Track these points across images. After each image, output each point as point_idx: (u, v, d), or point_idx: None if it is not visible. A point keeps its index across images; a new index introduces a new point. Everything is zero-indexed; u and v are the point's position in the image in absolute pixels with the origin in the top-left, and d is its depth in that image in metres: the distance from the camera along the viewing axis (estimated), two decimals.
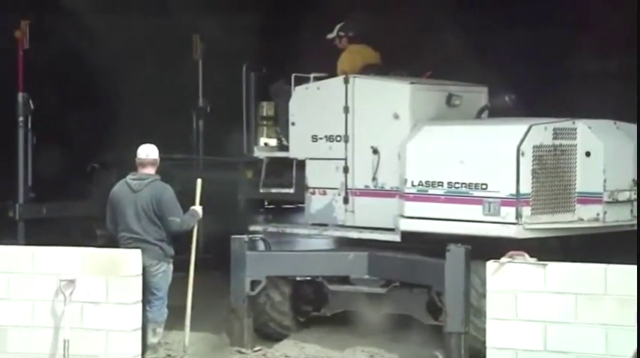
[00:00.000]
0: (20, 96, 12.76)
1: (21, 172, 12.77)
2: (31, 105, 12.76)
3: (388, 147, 10.47)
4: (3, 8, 13.02)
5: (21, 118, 12.77)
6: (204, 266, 10.83)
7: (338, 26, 11.61)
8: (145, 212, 9.66)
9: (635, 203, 9.92)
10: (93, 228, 12.95)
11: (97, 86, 14.98)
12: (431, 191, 10.01)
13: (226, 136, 11.66)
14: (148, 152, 9.84)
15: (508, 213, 9.63)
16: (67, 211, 13.27)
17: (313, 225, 11.09)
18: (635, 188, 9.92)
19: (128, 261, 8.85)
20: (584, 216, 9.88)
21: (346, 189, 10.79)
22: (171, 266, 9.79)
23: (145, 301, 9.33)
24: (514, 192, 9.62)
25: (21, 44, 12.76)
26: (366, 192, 10.68)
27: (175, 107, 13.74)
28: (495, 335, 8.40)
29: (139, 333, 8.97)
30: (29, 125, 12.81)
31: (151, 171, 9.83)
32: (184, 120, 13.29)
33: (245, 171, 11.47)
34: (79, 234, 12.17)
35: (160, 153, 9.93)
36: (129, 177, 9.87)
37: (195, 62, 13.41)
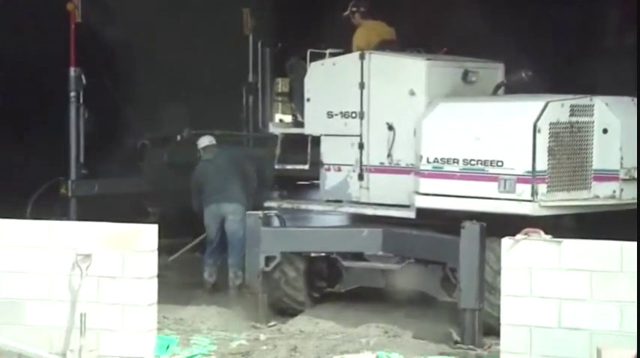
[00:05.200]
0: (72, 70, 12.44)
1: (73, 149, 12.44)
2: (84, 81, 12.46)
3: (404, 124, 10.46)
4: None
5: (73, 93, 12.38)
6: None
7: (351, 2, 11.59)
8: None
9: None
10: (144, 206, 12.98)
11: (148, 62, 14.82)
12: (446, 168, 10.01)
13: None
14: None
15: (524, 190, 9.62)
16: (118, 188, 13.07)
17: (328, 201, 11.11)
18: None
19: (144, 236, 8.87)
20: (600, 194, 9.87)
21: (361, 165, 10.80)
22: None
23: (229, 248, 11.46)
24: (530, 169, 9.61)
25: (73, 18, 12.48)
26: (381, 169, 10.68)
27: (226, 83, 13.56)
28: (510, 312, 8.40)
29: (155, 308, 9.00)
30: (81, 100, 12.53)
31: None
32: (235, 97, 13.13)
33: (273, 148, 11.49)
34: (131, 212, 12.16)
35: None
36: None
37: (246, 37, 13.17)
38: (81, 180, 12.50)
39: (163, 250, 12.94)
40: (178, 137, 13.22)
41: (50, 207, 12.25)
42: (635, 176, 9.86)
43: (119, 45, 14.43)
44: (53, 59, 12.85)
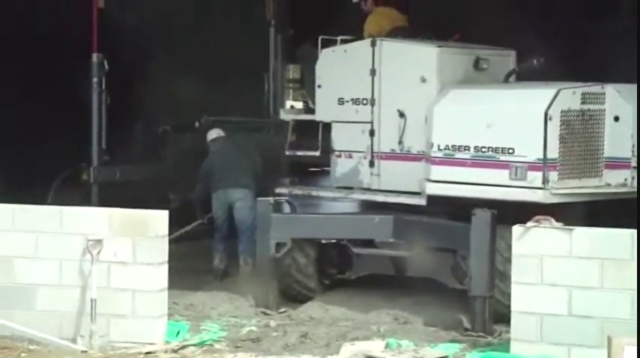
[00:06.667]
0: (95, 56, 12.29)
1: (95, 135, 12.34)
2: (106, 67, 12.41)
3: (415, 111, 10.44)
4: None
5: (95, 79, 12.25)
6: None
7: None
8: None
9: None
10: (165, 192, 12.98)
11: (169, 49, 14.75)
12: (457, 155, 9.99)
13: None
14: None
15: (535, 177, 9.61)
16: (140, 174, 13.00)
17: (339, 188, 11.10)
18: None
19: (155, 221, 8.88)
20: (612, 181, 9.85)
21: (372, 152, 10.79)
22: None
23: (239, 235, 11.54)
24: (541, 156, 9.59)
25: (95, 3, 12.33)
26: (392, 156, 10.67)
27: (248, 69, 13.48)
28: (520, 300, 8.41)
29: (166, 294, 9.03)
30: (103, 86, 12.33)
31: None
32: (257, 82, 13.08)
33: (290, 134, 11.47)
34: (152, 198, 12.15)
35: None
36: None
37: (268, 22, 13.09)
38: (102, 166, 12.46)
39: (184, 236, 13.05)
40: (196, 124, 13.22)
41: (72, 194, 12.24)
42: None
43: (140, 31, 14.34)
44: (75, 45, 12.80)
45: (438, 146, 10.10)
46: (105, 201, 11.24)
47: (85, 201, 11.97)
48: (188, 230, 12.56)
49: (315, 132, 11.18)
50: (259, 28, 12.57)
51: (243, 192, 11.69)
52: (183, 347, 8.85)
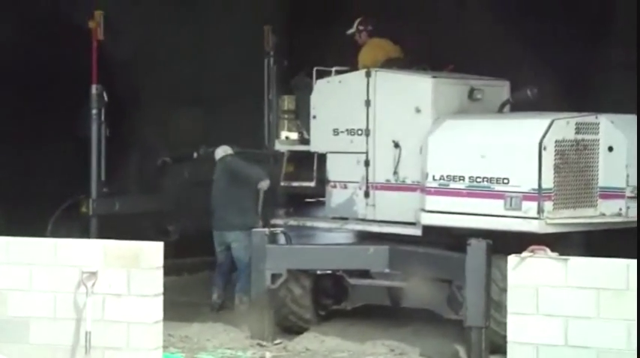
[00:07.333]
0: (94, 88, 12.22)
1: (94, 166, 12.24)
2: (105, 98, 12.36)
3: (410, 141, 10.47)
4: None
5: (94, 111, 12.16)
6: None
7: (357, 21, 11.61)
8: None
9: None
10: (164, 224, 12.94)
11: (169, 80, 14.77)
12: (452, 185, 10.00)
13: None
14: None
15: (530, 207, 9.61)
16: (139, 206, 12.87)
17: (334, 218, 11.11)
18: None
19: (150, 253, 8.85)
20: (607, 211, 9.86)
21: (367, 182, 10.80)
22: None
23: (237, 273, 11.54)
24: (536, 186, 9.60)
25: (95, 35, 12.30)
26: (387, 186, 10.68)
27: (248, 100, 13.50)
28: (516, 330, 8.36)
29: (161, 326, 8.98)
30: (102, 118, 12.25)
31: None
32: (256, 114, 13.11)
33: (287, 165, 11.48)
34: (151, 230, 12.08)
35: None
36: None
37: (267, 53, 13.12)
38: (102, 198, 12.40)
39: (184, 268, 13.01)
40: (194, 154, 13.23)
41: (71, 226, 12.21)
42: None
43: (138, 63, 14.37)
44: (75, 76, 12.81)
45: (433, 176, 10.11)
46: (104, 233, 11.20)
47: (84, 232, 11.93)
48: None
49: (310, 163, 11.19)
50: (258, 59, 12.62)
51: (238, 234, 11.56)
52: None
